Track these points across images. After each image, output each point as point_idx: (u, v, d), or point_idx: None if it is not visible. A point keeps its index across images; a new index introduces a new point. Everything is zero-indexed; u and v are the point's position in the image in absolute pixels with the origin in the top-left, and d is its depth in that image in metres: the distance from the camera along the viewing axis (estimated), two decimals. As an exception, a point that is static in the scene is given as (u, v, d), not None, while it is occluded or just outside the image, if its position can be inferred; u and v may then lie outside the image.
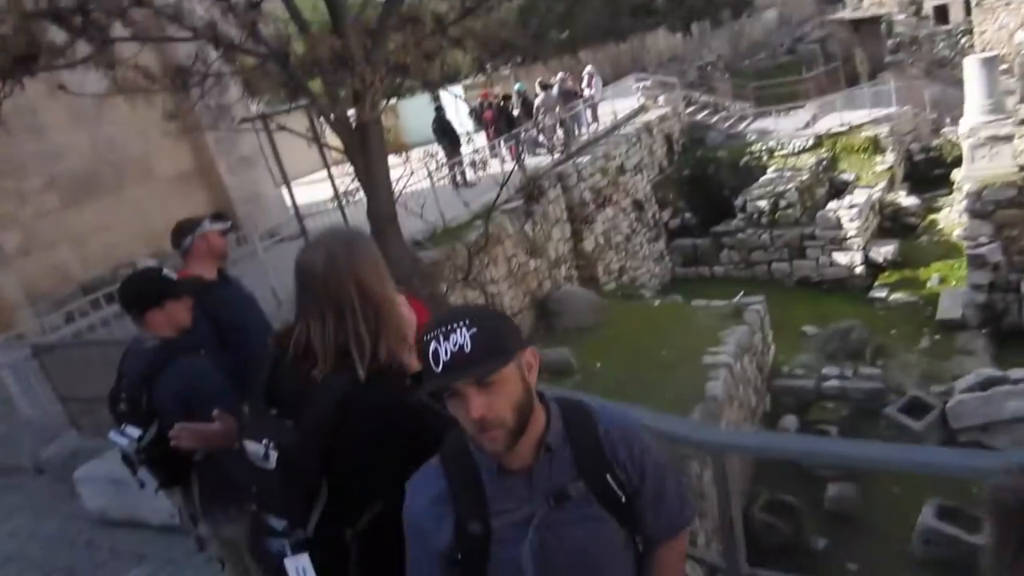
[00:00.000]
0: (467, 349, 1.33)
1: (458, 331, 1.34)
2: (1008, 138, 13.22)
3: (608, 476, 1.49)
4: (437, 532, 1.51)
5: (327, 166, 11.23)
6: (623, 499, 1.50)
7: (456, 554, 1.49)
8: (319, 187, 13.04)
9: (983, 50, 21.61)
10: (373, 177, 6.68)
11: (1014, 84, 17.39)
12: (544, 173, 13.08)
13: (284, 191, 12.01)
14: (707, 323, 10.75)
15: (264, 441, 1.77)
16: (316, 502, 1.81)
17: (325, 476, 1.80)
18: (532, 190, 11.64)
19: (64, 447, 6.02)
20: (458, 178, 13.59)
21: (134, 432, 2.55)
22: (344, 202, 10.70)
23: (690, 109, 20.85)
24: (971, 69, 13.43)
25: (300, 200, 11.03)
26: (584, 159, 14.64)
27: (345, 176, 10.06)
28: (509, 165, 13.59)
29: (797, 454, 1.99)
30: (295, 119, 9.56)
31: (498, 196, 9.36)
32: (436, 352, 1.34)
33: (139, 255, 12.34)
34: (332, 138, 8.32)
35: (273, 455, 1.76)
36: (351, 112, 6.99)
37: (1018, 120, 13.53)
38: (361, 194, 8.53)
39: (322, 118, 7.54)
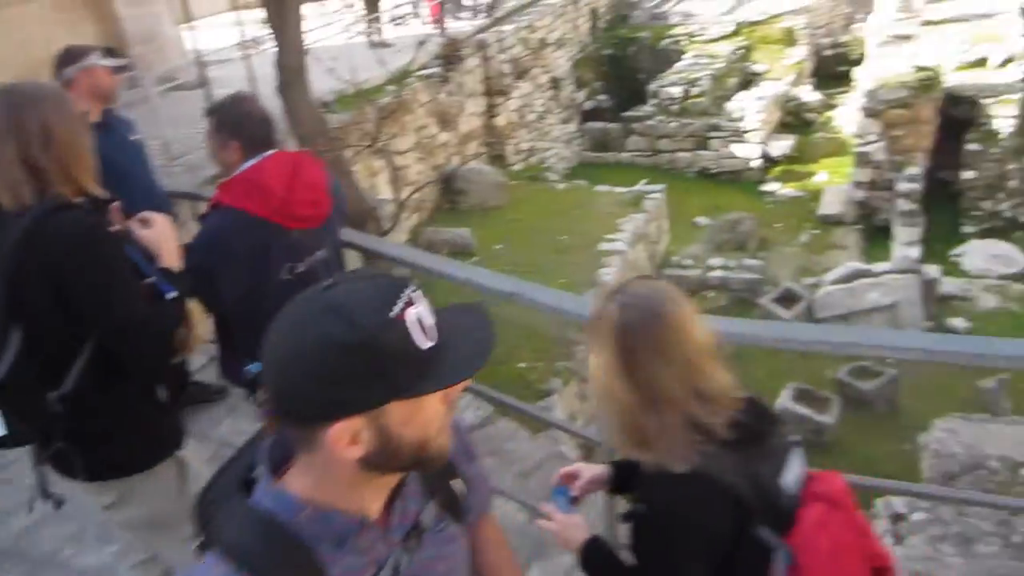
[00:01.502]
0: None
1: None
2: (910, 38, 13.56)
3: (450, 482, 1.15)
4: None
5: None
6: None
7: None
8: (224, 32, 12.26)
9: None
10: (284, 23, 6.30)
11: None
12: (466, 39, 12.69)
13: (186, 32, 11.28)
14: (608, 209, 11.08)
15: None
16: (5, 351, 1.66)
17: (14, 320, 1.68)
18: (452, 55, 11.25)
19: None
20: (374, 36, 13.05)
21: None
22: (251, 51, 10.16)
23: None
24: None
25: (203, 45, 10.42)
26: (508, 27, 14.25)
27: (253, 23, 9.51)
28: (429, 28, 13.07)
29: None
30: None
31: (415, 57, 9.02)
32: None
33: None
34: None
35: None
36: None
37: (923, 20, 13.85)
38: (269, 43, 8.10)
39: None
